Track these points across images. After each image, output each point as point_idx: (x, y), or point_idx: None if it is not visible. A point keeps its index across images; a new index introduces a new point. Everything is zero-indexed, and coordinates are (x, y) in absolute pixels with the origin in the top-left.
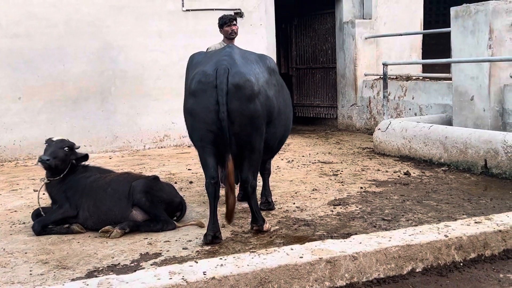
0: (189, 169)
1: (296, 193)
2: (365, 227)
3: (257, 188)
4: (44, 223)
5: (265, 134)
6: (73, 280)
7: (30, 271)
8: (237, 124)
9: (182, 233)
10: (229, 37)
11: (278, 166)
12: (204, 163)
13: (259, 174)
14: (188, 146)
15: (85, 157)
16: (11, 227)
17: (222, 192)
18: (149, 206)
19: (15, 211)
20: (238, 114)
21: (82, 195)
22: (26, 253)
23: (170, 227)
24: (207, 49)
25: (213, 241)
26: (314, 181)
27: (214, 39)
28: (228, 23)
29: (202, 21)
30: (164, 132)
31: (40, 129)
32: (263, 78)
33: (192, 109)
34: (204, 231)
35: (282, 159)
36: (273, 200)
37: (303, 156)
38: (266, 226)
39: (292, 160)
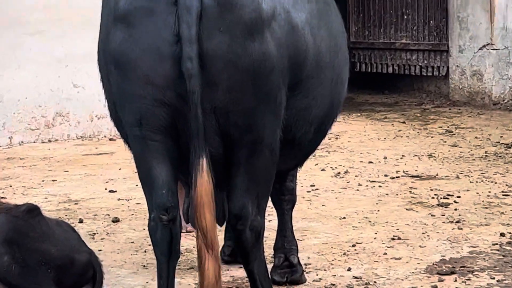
0: (112, 191)
1: (354, 246)
2: None
3: (266, 233)
4: None
5: (287, 111)
6: None
7: None
8: (222, 86)
9: None
10: None
11: (313, 185)
12: (146, 176)
13: (269, 202)
14: (111, 139)
15: None
16: None
17: (185, 242)
18: (19, 274)
19: None
20: (225, 64)
21: None
22: None
23: None
24: None
25: None
26: (395, 219)
27: None
28: None
29: None
30: (55, 107)
31: None
32: None
33: (120, 53)
34: None
35: (323, 169)
36: (302, 262)
37: (369, 162)
38: None
39: (346, 172)
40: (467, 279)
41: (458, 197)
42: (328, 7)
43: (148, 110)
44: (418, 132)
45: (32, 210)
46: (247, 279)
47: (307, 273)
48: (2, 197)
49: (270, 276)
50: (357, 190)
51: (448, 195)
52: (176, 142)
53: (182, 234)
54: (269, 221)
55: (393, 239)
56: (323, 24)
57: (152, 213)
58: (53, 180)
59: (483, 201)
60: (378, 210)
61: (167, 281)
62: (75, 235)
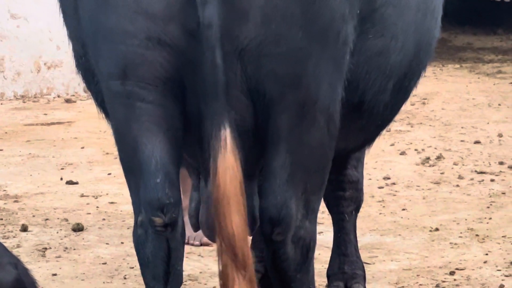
0: (71, 182)
1: (452, 273)
2: None
3: (316, 252)
4: None
5: (353, 58)
6: None
7: None
8: (255, 14)
9: None
10: None
11: (388, 177)
12: (131, 157)
13: (322, 203)
14: (68, 100)
15: None
16: None
17: (188, 264)
18: None
19: None
20: None
21: None
22: None
23: None
24: None
25: None
26: None
27: None
28: None
29: None
30: None
31: None
32: None
33: None
34: None
35: (402, 152)
36: None
37: (476, 141)
38: None
39: (438, 157)
40: None
41: None
42: None
43: (138, 55)
44: None
45: None
46: None
47: None
48: None
49: None
50: (457, 185)
51: None
52: (179, 105)
53: (187, 248)
54: (320, 233)
55: None
56: None
57: (140, 215)
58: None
59: None
60: (490, 218)
61: None
62: None
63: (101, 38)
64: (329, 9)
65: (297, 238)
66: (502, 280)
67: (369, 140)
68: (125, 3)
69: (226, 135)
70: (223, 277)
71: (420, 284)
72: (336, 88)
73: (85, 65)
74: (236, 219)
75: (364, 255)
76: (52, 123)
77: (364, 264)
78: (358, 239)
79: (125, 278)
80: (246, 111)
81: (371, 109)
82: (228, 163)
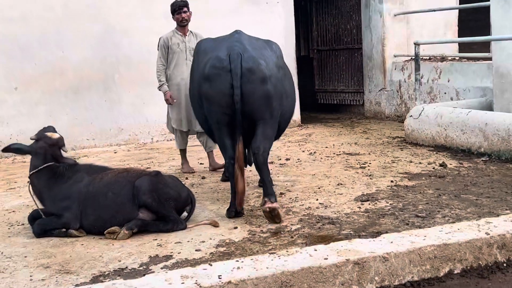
0: (201, 163)
1: (319, 188)
2: (396, 225)
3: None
4: (45, 228)
5: (280, 108)
6: (77, 285)
7: (31, 276)
8: (252, 104)
9: (194, 233)
10: (181, 24)
11: (299, 159)
12: (222, 144)
13: None
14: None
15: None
16: (9, 228)
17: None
18: (157, 206)
19: (13, 211)
20: (253, 95)
21: (79, 204)
22: (25, 256)
23: (181, 226)
24: (159, 40)
25: (236, 215)
26: (339, 175)
27: (225, 19)
28: (178, 11)
29: (214, 1)
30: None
31: (39, 122)
32: (272, 62)
33: (207, 94)
34: (218, 231)
35: (303, 151)
36: (293, 196)
37: (326, 147)
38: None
39: (315, 152)
40: (374, 204)
41: (370, 164)
42: (287, 70)
43: (221, 117)
44: (349, 132)
45: (157, 173)
46: (260, 182)
47: (296, 201)
48: (148, 167)
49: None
50: (320, 161)
51: (365, 163)
52: (231, 129)
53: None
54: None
55: (338, 184)
56: (286, 77)
57: (226, 160)
58: (173, 159)
59: (382, 165)
60: (331, 171)
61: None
62: (179, 181)
63: (210, 112)
64: (271, 101)
65: (263, 156)
66: (335, 189)
67: (280, 135)
68: (216, 103)
69: (241, 137)
70: (236, 178)
71: (309, 192)
72: (278, 114)
73: (203, 122)
74: (241, 157)
75: (290, 184)
76: (195, 146)
77: (291, 186)
78: (285, 179)
79: (217, 193)
80: (247, 126)
81: (282, 128)
82: (240, 146)
